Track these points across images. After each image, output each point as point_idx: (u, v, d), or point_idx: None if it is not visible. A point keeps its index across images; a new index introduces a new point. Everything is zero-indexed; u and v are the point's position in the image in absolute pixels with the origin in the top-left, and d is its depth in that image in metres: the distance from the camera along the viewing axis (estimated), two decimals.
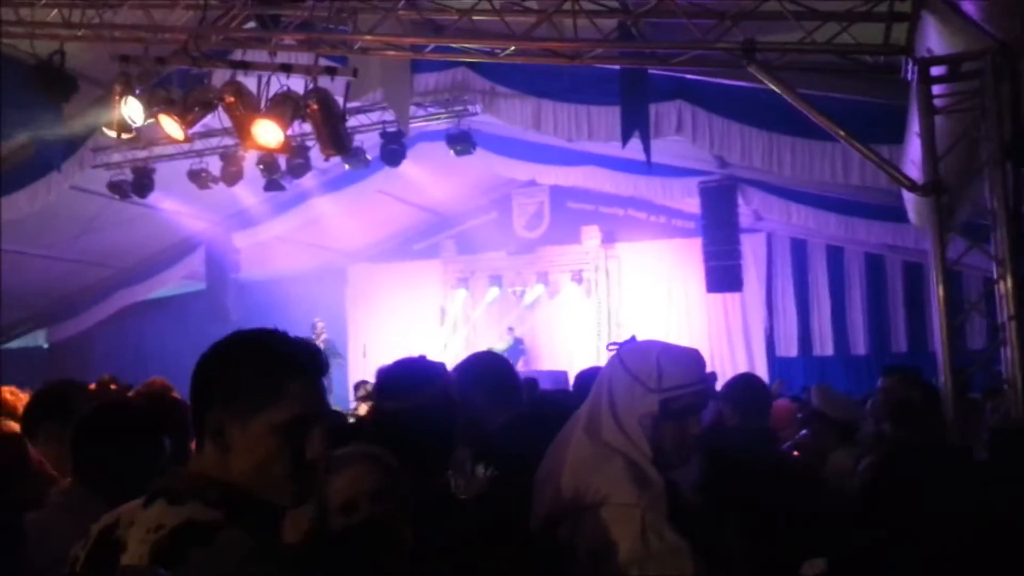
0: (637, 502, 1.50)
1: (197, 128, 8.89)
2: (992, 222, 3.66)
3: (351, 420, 4.19)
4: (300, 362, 1.32)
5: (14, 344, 13.30)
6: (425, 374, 2.21)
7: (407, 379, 2.18)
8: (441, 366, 2.32)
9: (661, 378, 1.64)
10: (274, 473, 1.26)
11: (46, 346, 14.64)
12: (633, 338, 1.87)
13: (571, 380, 11.71)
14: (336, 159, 9.73)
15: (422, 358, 2.39)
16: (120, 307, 13.42)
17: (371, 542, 1.57)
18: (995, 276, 3.65)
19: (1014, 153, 3.73)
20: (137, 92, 5.24)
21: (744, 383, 3.57)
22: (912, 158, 5.02)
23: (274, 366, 1.29)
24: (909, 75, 4.27)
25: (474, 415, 2.35)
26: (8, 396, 3.50)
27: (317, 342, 12.40)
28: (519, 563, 1.51)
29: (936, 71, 3.91)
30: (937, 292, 3.87)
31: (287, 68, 4.91)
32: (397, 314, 14.71)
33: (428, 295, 14.75)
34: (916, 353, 11.72)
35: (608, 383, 1.72)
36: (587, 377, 3.50)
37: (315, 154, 9.14)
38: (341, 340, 14.27)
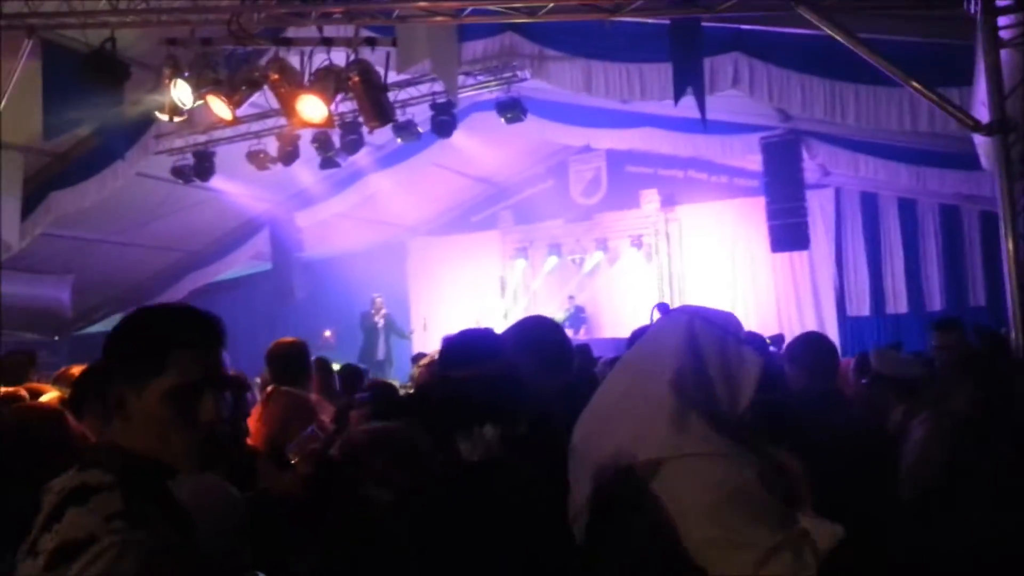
0: (726, 452, 1.45)
1: (252, 110, 9.13)
2: None
3: (403, 393, 4.20)
4: (187, 332, 1.38)
5: (94, 328, 13.86)
6: (490, 345, 2.21)
7: (473, 349, 2.17)
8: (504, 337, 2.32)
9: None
10: (171, 440, 1.33)
11: None
12: (665, 305, 1.80)
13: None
14: (389, 134, 9.81)
15: (487, 330, 2.40)
16: (191, 290, 13.83)
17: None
18: None
19: None
20: (185, 75, 5.32)
21: (806, 342, 3.42)
22: (981, 99, 4.72)
23: (160, 336, 1.36)
24: (972, 8, 3.98)
25: (526, 382, 2.32)
26: (75, 372, 3.62)
27: (376, 318, 12.55)
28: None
29: (1001, 1, 3.63)
30: (1006, 240, 3.62)
31: (327, 42, 4.90)
32: (457, 286, 14.79)
33: (487, 266, 14.77)
34: (995, 307, 11.17)
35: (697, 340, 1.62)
36: (642, 335, 3.39)
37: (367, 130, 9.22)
38: (403, 314, 14.45)
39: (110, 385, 1.36)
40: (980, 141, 5.43)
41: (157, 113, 5.94)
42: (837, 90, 6.95)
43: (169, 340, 1.35)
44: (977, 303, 11.76)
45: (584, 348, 5.15)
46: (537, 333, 2.60)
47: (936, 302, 12.06)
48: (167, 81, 5.33)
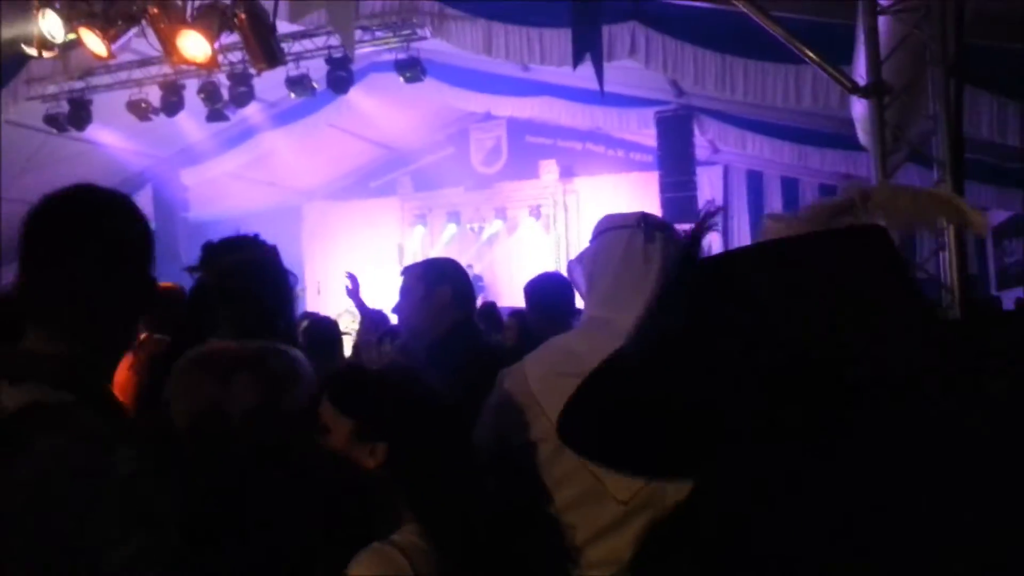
0: None
1: (132, 56, 8.62)
2: (934, 125, 3.62)
3: None
4: None
5: None
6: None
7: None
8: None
9: None
10: None
11: None
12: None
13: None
14: (284, 92, 9.46)
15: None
16: None
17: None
18: (936, 179, 3.63)
19: (958, 58, 3.68)
20: (56, 6, 4.95)
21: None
22: (859, 72, 4.97)
23: None
24: None
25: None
26: None
27: None
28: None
29: None
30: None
31: None
32: (354, 252, 14.49)
33: (386, 233, 14.55)
34: None
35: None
36: (540, 287, 3.40)
37: (260, 84, 8.85)
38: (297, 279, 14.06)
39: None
40: (857, 115, 5.72)
41: (24, 47, 5.50)
42: (727, 63, 7.18)
43: None
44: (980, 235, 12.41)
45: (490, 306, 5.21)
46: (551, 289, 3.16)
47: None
48: (35, 12, 4.94)
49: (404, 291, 2.52)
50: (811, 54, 4.18)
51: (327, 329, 4.09)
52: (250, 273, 2.09)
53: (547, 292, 3.25)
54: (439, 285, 2.46)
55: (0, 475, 1.02)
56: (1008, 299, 9.85)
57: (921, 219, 0.73)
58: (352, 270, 15.58)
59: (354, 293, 4.29)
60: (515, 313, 4.89)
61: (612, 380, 0.81)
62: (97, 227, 1.26)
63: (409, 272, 2.58)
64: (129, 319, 1.34)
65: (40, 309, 1.22)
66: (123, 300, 1.27)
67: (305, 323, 4.52)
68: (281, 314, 2.14)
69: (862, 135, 6.35)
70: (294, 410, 1.58)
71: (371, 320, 4.33)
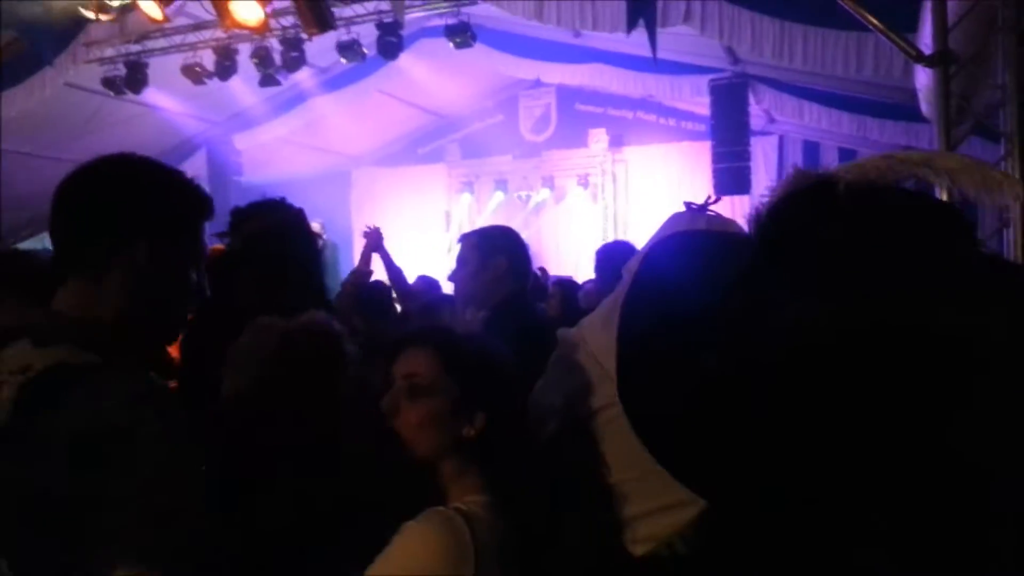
0: None
1: (186, 20, 8.72)
2: (1002, 96, 3.46)
3: None
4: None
5: (21, 246, 13.32)
6: None
7: None
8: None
9: None
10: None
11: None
12: None
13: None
14: (334, 57, 9.48)
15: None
16: None
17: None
18: (1003, 153, 3.48)
19: None
20: None
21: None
22: (924, 41, 4.77)
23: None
24: None
25: None
26: None
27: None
28: None
29: None
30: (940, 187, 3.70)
31: None
32: (401, 219, 14.58)
33: (433, 199, 14.60)
34: None
35: None
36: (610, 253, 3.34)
37: (312, 49, 8.89)
38: (346, 245, 14.23)
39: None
40: (921, 86, 5.51)
41: (82, 9, 5.60)
42: (786, 30, 6.96)
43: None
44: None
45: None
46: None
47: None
48: None
49: (460, 260, 2.52)
50: (874, 20, 4.02)
51: (379, 291, 4.12)
52: (275, 236, 2.10)
53: (616, 259, 3.20)
54: (495, 256, 2.44)
55: (26, 432, 1.03)
56: None
57: (986, 191, 0.67)
58: (399, 236, 15.68)
59: (378, 247, 4.20)
60: (559, 282, 4.86)
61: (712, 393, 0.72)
62: (133, 194, 1.27)
63: (465, 241, 2.57)
64: (174, 287, 1.34)
65: (69, 272, 1.23)
66: (163, 268, 1.27)
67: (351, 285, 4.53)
68: (309, 275, 2.15)
69: (925, 106, 6.11)
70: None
71: (401, 283, 4.28)
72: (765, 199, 0.68)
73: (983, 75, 4.37)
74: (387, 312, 4.07)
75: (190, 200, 1.36)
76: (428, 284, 5.14)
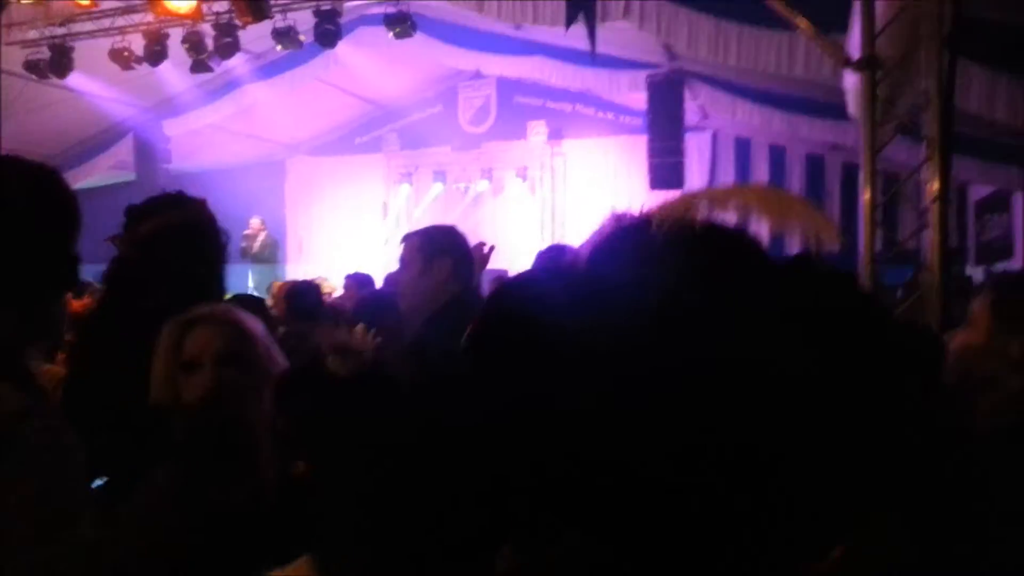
0: None
1: (116, 3, 8.42)
2: (924, 101, 3.63)
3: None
4: None
5: None
6: None
7: None
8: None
9: None
10: None
11: None
12: None
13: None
14: (269, 43, 9.28)
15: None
16: None
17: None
18: (924, 156, 3.65)
19: (953, 34, 3.68)
20: None
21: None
22: (854, 44, 4.95)
23: None
24: None
25: None
26: None
27: (255, 243, 11.70)
28: None
29: None
30: (864, 172, 3.87)
31: None
32: (339, 209, 14.43)
33: (370, 190, 14.45)
34: (849, 253, 11.99)
35: None
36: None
37: (246, 36, 8.67)
38: (279, 235, 13.98)
39: None
40: (849, 86, 5.72)
41: None
42: (721, 28, 7.13)
43: None
44: (831, 248, 12.56)
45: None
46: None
47: (796, 244, 12.80)
48: None
49: (403, 262, 2.48)
50: (803, 24, 4.15)
51: (307, 293, 4.05)
52: (170, 239, 2.01)
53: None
54: (439, 257, 2.42)
55: None
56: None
57: (782, 224, 0.69)
58: (336, 226, 15.40)
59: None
60: (497, 278, 4.78)
61: None
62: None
63: (408, 242, 2.53)
64: (43, 296, 1.30)
65: None
66: (30, 277, 1.24)
67: (285, 288, 4.46)
68: (210, 279, 2.07)
69: (852, 106, 6.36)
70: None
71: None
72: (587, 242, 0.71)
73: (908, 79, 4.56)
74: (314, 313, 4.00)
75: (50, 206, 1.28)
76: (359, 282, 5.07)
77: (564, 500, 0.64)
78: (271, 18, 6.05)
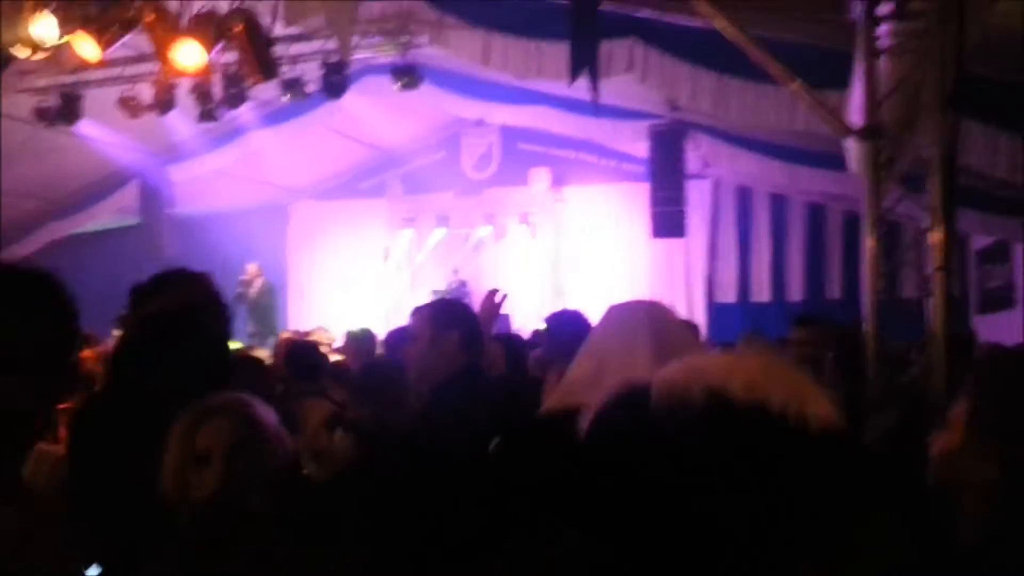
0: None
1: (126, 51, 8.52)
2: (927, 170, 3.66)
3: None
4: None
5: None
6: None
7: None
8: None
9: None
10: None
11: None
12: None
13: (513, 324, 11.72)
14: (276, 90, 9.39)
15: None
16: (48, 241, 12.88)
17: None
18: (928, 225, 3.67)
19: (954, 99, 3.71)
20: (52, 7, 4.88)
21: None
22: (856, 104, 5.00)
23: None
24: (855, 14, 4.21)
25: None
26: None
27: (251, 289, 11.57)
28: None
29: (882, 10, 3.85)
30: (867, 240, 3.87)
31: None
32: (341, 254, 14.48)
33: (373, 235, 14.52)
34: (850, 300, 12.01)
35: None
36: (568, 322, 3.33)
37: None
38: (280, 280, 14.00)
39: None
40: (849, 145, 5.77)
41: (14, 51, 5.41)
42: (724, 83, 7.20)
43: None
44: (833, 295, 12.62)
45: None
46: None
47: (797, 292, 12.86)
48: (29, 13, 4.86)
49: (412, 335, 2.51)
50: (806, 95, 4.20)
51: (308, 354, 4.03)
52: (173, 321, 2.01)
53: (567, 328, 3.18)
54: (447, 330, 2.45)
55: None
56: (989, 324, 9.97)
57: (792, 398, 0.72)
58: (338, 271, 15.35)
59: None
60: (504, 338, 4.69)
61: None
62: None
63: (417, 314, 2.57)
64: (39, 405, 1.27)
65: None
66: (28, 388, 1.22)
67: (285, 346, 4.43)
68: (215, 358, 2.06)
69: (853, 164, 6.40)
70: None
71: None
72: (590, 412, 0.77)
73: (909, 138, 4.60)
74: (313, 373, 3.97)
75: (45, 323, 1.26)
76: (359, 341, 4.98)
77: (564, 500, 0.69)
78: (280, 77, 6.14)
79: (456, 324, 2.48)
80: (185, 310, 2.08)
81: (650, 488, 0.67)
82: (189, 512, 1.56)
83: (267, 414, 1.68)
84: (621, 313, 1.74)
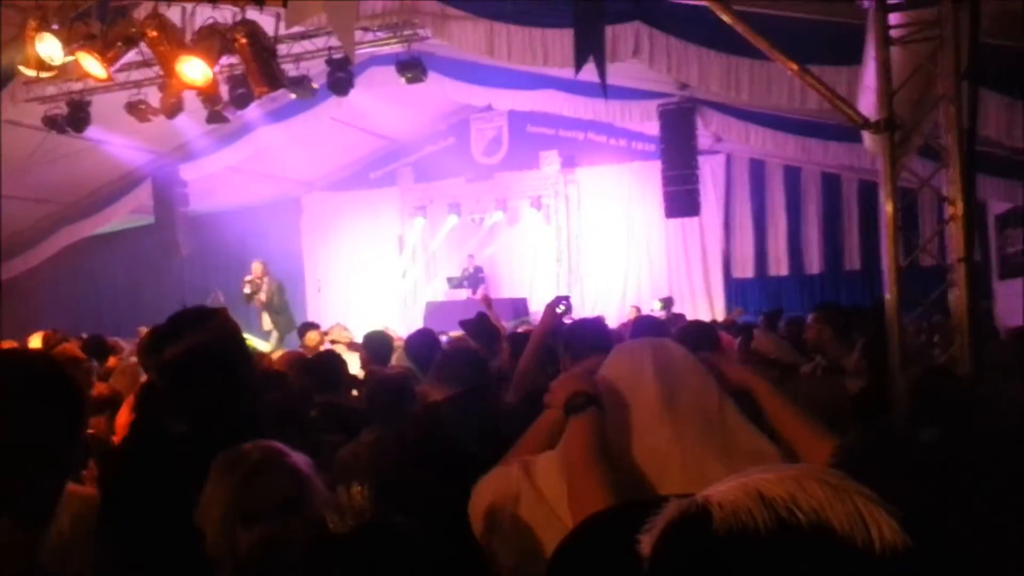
0: None
1: (133, 57, 8.51)
2: (944, 159, 3.58)
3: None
4: None
5: None
6: None
7: None
8: None
9: None
10: None
11: None
12: None
13: (531, 306, 11.67)
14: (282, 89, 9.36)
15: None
16: (67, 243, 13.05)
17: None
18: (946, 217, 3.61)
19: (972, 73, 3.61)
20: (54, 27, 4.87)
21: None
22: (868, 83, 4.91)
23: None
24: (866, 2, 4.12)
25: None
26: None
27: (260, 293, 10.63)
28: None
29: None
30: (886, 206, 3.80)
31: None
32: (354, 244, 14.53)
33: (386, 224, 14.54)
34: (869, 271, 11.90)
35: None
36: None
37: None
38: (296, 272, 14.06)
39: None
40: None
41: (21, 68, 5.42)
42: (733, 65, 7.08)
43: None
44: (852, 267, 12.49)
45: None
46: None
47: (815, 266, 12.73)
48: (32, 34, 4.86)
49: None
50: (822, 89, 4.12)
51: (330, 363, 4.04)
52: (194, 364, 2.01)
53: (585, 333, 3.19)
54: None
55: None
56: (1009, 289, 9.85)
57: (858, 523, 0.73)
58: (352, 261, 15.22)
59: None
60: (512, 337, 4.68)
61: None
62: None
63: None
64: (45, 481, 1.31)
65: None
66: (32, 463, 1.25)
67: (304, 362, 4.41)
68: (238, 398, 2.06)
69: (868, 142, 6.31)
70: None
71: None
72: (648, 532, 0.75)
73: (924, 112, 4.51)
74: (336, 383, 3.98)
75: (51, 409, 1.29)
76: (374, 351, 4.93)
77: None
78: (285, 87, 6.11)
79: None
80: (203, 353, 2.09)
81: None
82: (234, 568, 1.57)
83: (302, 460, 1.68)
84: (624, 355, 1.73)
